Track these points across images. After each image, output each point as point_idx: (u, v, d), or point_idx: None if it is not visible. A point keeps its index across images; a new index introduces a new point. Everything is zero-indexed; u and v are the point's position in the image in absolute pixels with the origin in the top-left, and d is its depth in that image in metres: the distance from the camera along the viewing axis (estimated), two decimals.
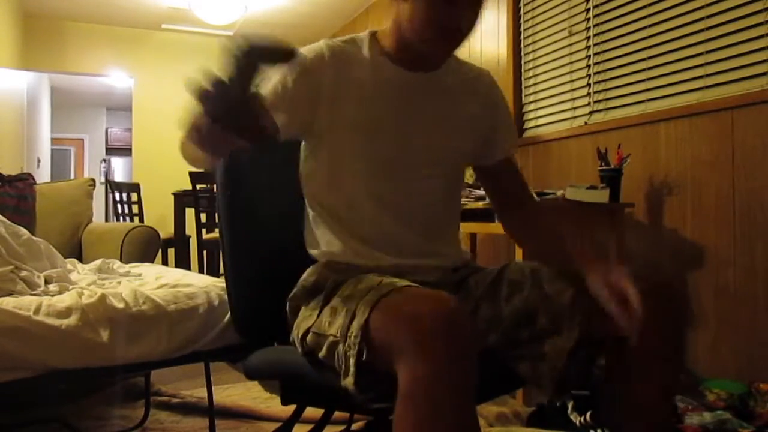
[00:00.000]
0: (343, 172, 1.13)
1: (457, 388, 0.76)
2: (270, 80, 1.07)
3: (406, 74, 1.14)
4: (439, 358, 0.75)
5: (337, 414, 1.53)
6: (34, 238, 1.85)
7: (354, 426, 1.82)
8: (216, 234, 3.98)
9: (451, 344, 0.75)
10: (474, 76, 1.26)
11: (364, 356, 0.85)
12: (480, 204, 2.37)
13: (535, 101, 3.16)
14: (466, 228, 2.58)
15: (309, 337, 1.02)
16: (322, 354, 0.97)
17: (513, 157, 1.30)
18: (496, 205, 1.36)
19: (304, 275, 1.14)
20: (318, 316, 1.02)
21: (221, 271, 4.48)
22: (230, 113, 0.78)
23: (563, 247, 1.15)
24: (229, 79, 0.77)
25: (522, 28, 3.26)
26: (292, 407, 1.23)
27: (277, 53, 0.80)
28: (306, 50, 1.11)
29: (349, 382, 0.88)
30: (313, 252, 1.18)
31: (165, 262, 4.40)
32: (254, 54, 0.78)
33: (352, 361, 0.87)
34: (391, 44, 1.14)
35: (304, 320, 1.05)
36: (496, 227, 2.12)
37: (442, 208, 1.22)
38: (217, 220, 1.34)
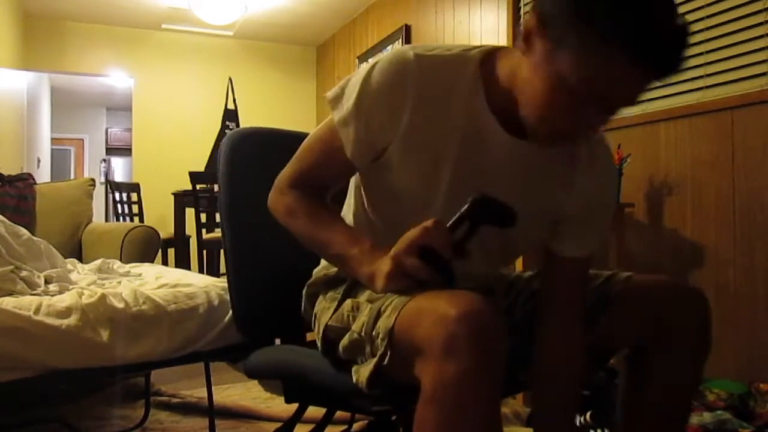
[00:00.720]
0: (397, 215, 0.99)
1: (485, 391, 0.74)
2: (348, 95, 0.95)
3: (502, 135, 0.92)
4: (467, 360, 0.72)
5: (338, 414, 1.53)
6: (34, 238, 1.84)
7: (355, 426, 1.82)
8: (216, 234, 3.97)
9: (480, 346, 0.72)
10: (592, 157, 0.99)
11: (386, 360, 0.83)
12: None
13: None
14: None
15: (330, 332, 0.99)
16: (342, 344, 0.94)
17: (588, 261, 1.04)
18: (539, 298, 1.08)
19: (325, 263, 1.12)
20: (336, 309, 1.00)
21: (221, 271, 4.48)
22: (443, 270, 0.84)
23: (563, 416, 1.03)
24: (455, 238, 0.85)
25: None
26: (292, 407, 1.23)
27: (503, 217, 0.85)
28: (390, 70, 0.91)
29: (363, 375, 0.86)
30: None
31: (165, 262, 4.40)
32: (483, 214, 0.85)
33: (374, 361, 0.85)
34: (498, 96, 0.90)
35: (323, 314, 1.03)
36: None
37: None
38: (217, 220, 1.34)
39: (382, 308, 0.86)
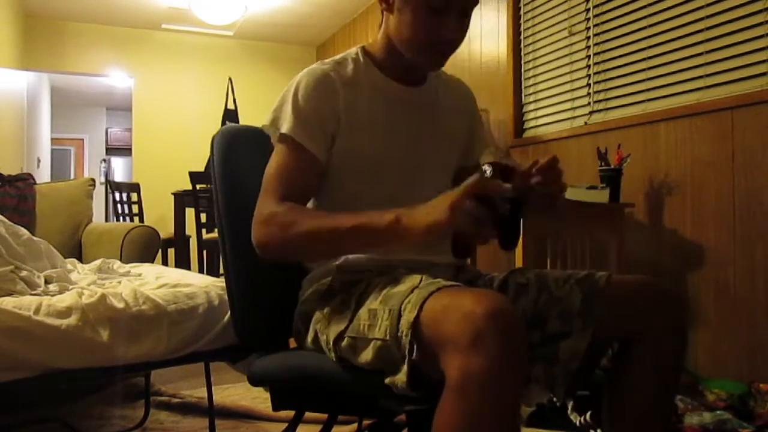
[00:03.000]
0: (350, 185, 1.14)
1: (509, 386, 0.77)
2: (288, 113, 1.09)
3: (398, 88, 1.17)
4: (493, 355, 0.75)
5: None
6: (34, 238, 1.84)
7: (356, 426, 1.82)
8: (216, 234, 3.97)
9: (506, 342, 0.76)
10: (456, 87, 1.30)
11: (414, 354, 0.85)
12: None
13: (535, 101, 3.16)
14: None
15: (344, 342, 0.98)
16: (364, 358, 0.94)
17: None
18: None
19: (314, 277, 1.12)
20: (351, 319, 0.99)
21: (221, 271, 4.46)
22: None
23: None
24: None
25: (522, 28, 3.26)
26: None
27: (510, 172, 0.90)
28: (313, 76, 1.11)
29: (400, 380, 0.87)
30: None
31: (165, 262, 4.40)
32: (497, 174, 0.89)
33: (406, 359, 0.86)
34: (382, 57, 1.17)
35: (334, 324, 1.02)
36: None
37: None
38: (216, 221, 1.33)
39: (402, 306, 0.89)
